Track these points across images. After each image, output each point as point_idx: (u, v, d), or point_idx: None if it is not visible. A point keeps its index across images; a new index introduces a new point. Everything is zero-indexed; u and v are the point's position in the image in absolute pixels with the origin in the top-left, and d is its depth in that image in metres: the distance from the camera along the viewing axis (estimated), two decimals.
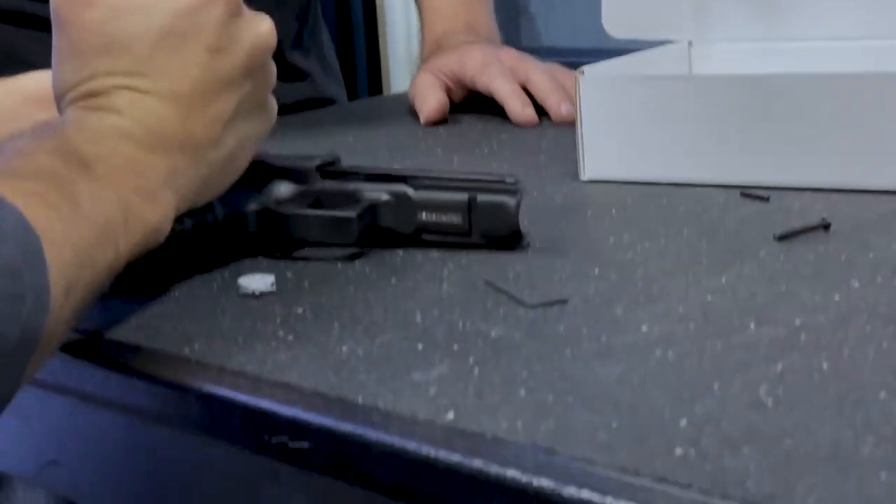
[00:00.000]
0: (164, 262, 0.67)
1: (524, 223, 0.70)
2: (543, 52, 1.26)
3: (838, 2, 0.93)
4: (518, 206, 0.69)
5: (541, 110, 1.11)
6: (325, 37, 1.38)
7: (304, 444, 0.49)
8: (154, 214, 0.61)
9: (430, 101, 1.13)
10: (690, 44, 0.98)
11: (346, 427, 0.48)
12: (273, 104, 0.70)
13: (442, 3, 1.27)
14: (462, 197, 0.69)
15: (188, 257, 0.69)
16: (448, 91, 1.16)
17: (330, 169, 0.73)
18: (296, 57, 1.27)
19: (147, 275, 0.65)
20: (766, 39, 0.96)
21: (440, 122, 1.13)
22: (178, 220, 0.66)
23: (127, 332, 0.60)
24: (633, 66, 0.91)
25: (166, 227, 0.62)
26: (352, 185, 0.72)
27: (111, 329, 0.61)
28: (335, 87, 1.38)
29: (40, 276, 0.49)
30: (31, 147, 0.57)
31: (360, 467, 0.48)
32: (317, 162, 0.73)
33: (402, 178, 0.71)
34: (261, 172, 0.72)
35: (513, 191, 0.69)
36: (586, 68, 0.86)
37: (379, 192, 0.71)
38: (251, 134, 0.68)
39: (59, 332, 0.52)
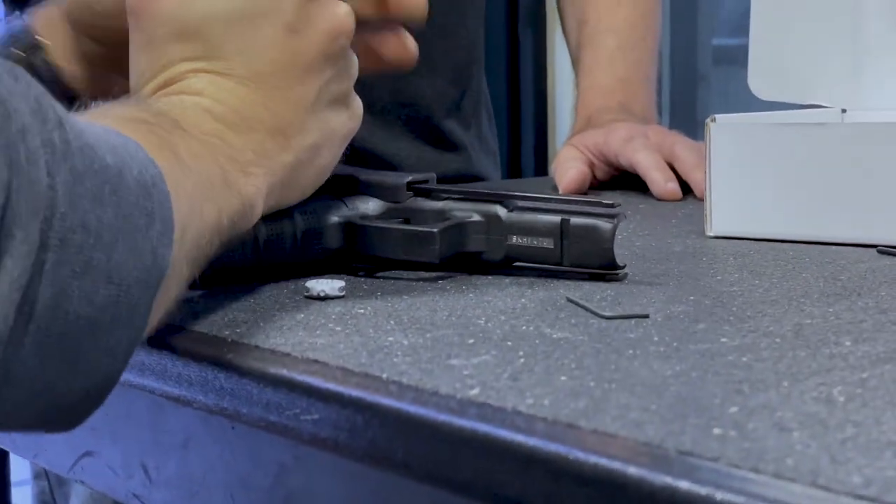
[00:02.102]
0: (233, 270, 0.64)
1: (628, 259, 0.65)
2: None
3: None
4: (614, 230, 0.63)
5: (687, 187, 1.06)
6: (487, 115, 1.36)
7: (314, 417, 0.44)
8: (248, 186, 0.57)
9: (570, 172, 1.08)
10: (844, 111, 0.92)
11: (357, 395, 0.43)
12: (358, 104, 0.67)
13: (600, 81, 1.23)
14: (555, 220, 0.64)
15: (261, 271, 0.65)
16: (592, 167, 1.12)
17: (421, 186, 0.69)
18: (451, 126, 1.25)
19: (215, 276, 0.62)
20: None
21: (579, 194, 1.09)
22: (255, 226, 0.63)
23: (175, 317, 0.57)
24: (775, 119, 0.85)
25: (259, 205, 0.59)
26: (443, 205, 0.68)
27: None
28: (490, 168, 1.35)
29: (165, 203, 0.46)
30: (122, 109, 0.54)
31: (372, 438, 0.43)
32: (408, 178, 0.69)
33: (495, 199, 0.67)
34: (349, 186, 0.69)
35: (610, 215, 0.64)
36: (719, 116, 0.80)
37: (469, 212, 0.67)
38: (336, 128, 0.65)
39: (177, 278, 0.48)
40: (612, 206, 0.65)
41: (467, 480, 0.39)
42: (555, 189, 1.12)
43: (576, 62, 1.29)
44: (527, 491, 0.37)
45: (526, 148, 2.50)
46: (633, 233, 0.83)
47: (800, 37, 0.91)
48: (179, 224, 0.47)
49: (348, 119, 0.66)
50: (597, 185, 1.13)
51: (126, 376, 0.54)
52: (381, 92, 1.19)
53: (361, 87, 1.29)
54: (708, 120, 0.80)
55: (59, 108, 0.41)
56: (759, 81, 0.90)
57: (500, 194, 0.67)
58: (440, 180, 1.30)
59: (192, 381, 0.50)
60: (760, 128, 0.79)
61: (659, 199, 1.04)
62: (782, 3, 0.90)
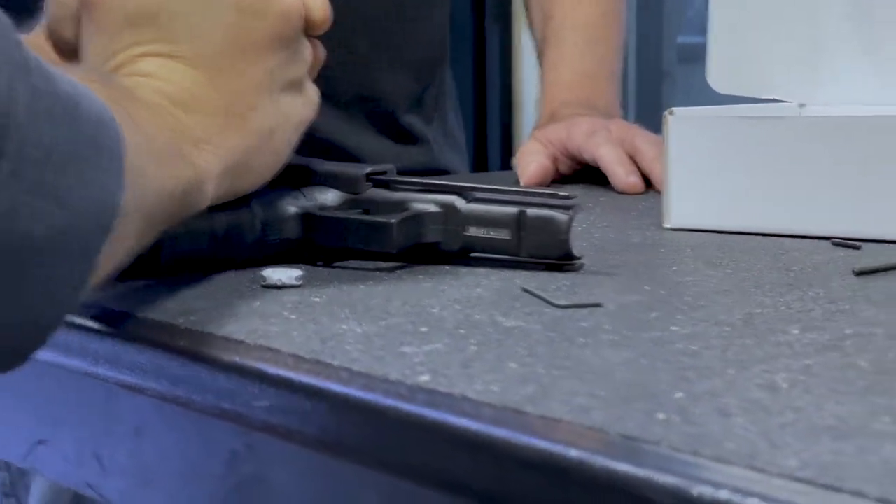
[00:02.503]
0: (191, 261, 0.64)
1: (586, 250, 0.65)
2: None
3: None
4: (570, 221, 0.64)
5: (648, 181, 1.06)
6: (453, 109, 1.36)
7: (265, 403, 0.44)
8: (200, 160, 0.57)
9: (531, 166, 1.09)
10: (802, 105, 0.93)
11: (307, 381, 0.44)
12: (314, 91, 0.67)
13: (564, 76, 1.24)
14: (512, 211, 0.65)
15: (219, 260, 0.65)
16: (554, 161, 1.12)
17: (380, 178, 0.69)
18: (412, 121, 1.25)
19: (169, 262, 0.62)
20: (884, 104, 0.90)
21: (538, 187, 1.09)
22: (209, 216, 0.63)
23: (129, 304, 0.57)
24: (733, 113, 0.85)
25: (210, 185, 0.58)
26: (401, 195, 0.68)
27: (115, 302, 0.57)
28: (457, 161, 1.35)
29: (118, 144, 0.45)
30: (72, 72, 0.54)
31: (322, 425, 0.43)
32: (367, 170, 0.69)
33: (454, 191, 0.67)
34: (307, 177, 0.69)
35: (566, 206, 0.64)
36: (677, 109, 0.81)
37: (427, 203, 0.67)
38: (290, 113, 0.65)
39: (132, 228, 0.48)
40: (568, 197, 0.65)
41: (416, 465, 0.39)
42: (517, 183, 1.12)
43: (541, 57, 1.29)
44: (474, 475, 0.38)
45: (492, 142, 2.50)
46: (592, 224, 0.83)
47: (758, 32, 0.92)
48: (130, 170, 0.46)
49: (303, 105, 0.66)
50: (559, 178, 1.13)
51: (79, 364, 0.54)
52: (345, 86, 1.19)
53: (325, 80, 1.28)
54: (666, 113, 0.81)
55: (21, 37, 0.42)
56: (717, 76, 0.90)
57: (458, 186, 0.68)
58: (404, 174, 1.30)
59: (145, 368, 0.50)
60: (717, 121, 0.80)
61: (620, 193, 1.05)
62: None
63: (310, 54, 0.66)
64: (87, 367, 0.53)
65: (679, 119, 0.80)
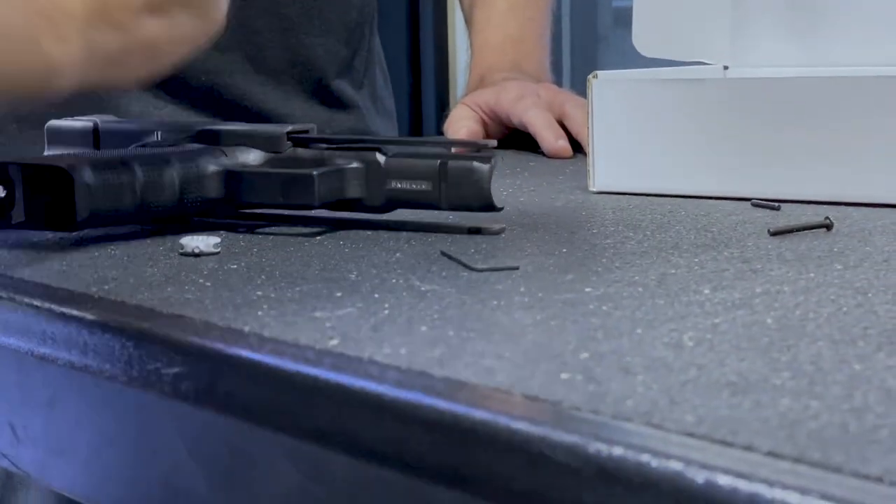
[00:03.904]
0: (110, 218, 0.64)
1: (510, 214, 0.65)
2: None
3: (881, 28, 0.87)
4: (491, 171, 0.64)
5: (578, 145, 1.06)
6: (382, 74, 1.35)
7: (175, 370, 0.44)
8: (58, 50, 0.56)
9: (461, 132, 1.09)
10: (726, 67, 0.93)
11: (217, 346, 0.43)
12: (216, 7, 0.65)
13: (492, 39, 1.24)
14: (433, 163, 0.65)
15: (137, 220, 0.65)
16: (484, 125, 1.12)
17: (301, 136, 0.69)
18: (342, 86, 1.25)
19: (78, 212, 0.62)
20: (805, 65, 0.90)
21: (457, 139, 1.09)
22: (126, 171, 0.62)
23: (43, 274, 0.56)
24: (658, 76, 0.85)
25: (66, 76, 0.57)
26: (323, 154, 0.68)
27: (27, 271, 0.57)
28: (387, 128, 1.35)
29: None
30: None
31: (229, 389, 0.43)
32: (287, 129, 0.69)
33: (374, 147, 0.67)
34: (227, 138, 0.69)
35: (486, 157, 0.64)
36: (601, 73, 0.81)
37: (348, 160, 0.67)
38: (183, 24, 0.62)
39: None
40: (487, 146, 0.65)
41: (322, 429, 0.39)
42: None
43: (469, 21, 1.29)
44: (379, 438, 0.38)
45: (427, 108, 2.49)
46: (518, 189, 0.83)
47: None
48: None
49: (203, 17, 0.63)
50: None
51: None
52: (275, 52, 1.18)
53: (255, 47, 1.27)
54: (590, 76, 0.81)
55: None
56: (643, 39, 0.90)
57: (378, 140, 0.67)
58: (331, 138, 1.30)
59: (55, 338, 0.50)
60: (641, 84, 0.80)
61: (549, 157, 1.05)
62: None
63: None
64: None
65: (602, 82, 0.80)
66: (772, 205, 0.72)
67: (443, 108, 2.46)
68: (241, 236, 0.66)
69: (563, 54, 2.25)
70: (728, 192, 0.76)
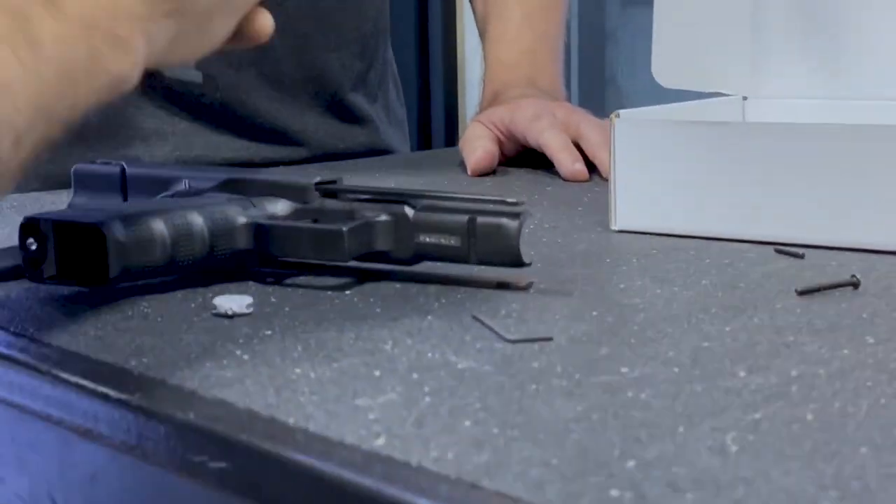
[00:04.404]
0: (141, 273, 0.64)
1: (535, 260, 0.66)
2: None
3: None
4: (520, 228, 0.64)
5: (593, 166, 1.07)
6: (395, 85, 1.35)
7: (222, 465, 0.45)
8: (121, 64, 0.57)
9: (478, 152, 1.09)
10: (745, 98, 0.93)
11: (265, 446, 0.44)
12: None
13: (506, 54, 1.24)
14: (462, 218, 0.65)
15: (168, 269, 0.65)
16: (500, 144, 1.12)
17: (329, 188, 0.69)
18: (356, 100, 1.25)
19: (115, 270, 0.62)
20: (825, 97, 0.91)
21: (487, 173, 1.09)
22: (158, 226, 0.63)
23: (79, 341, 0.57)
24: (679, 114, 0.86)
25: (134, 78, 0.58)
26: (350, 205, 0.68)
27: (64, 337, 0.57)
28: (399, 140, 1.35)
29: None
30: None
31: (276, 490, 0.43)
32: (316, 179, 0.69)
33: (402, 199, 0.67)
34: (256, 187, 0.69)
35: (515, 213, 0.65)
36: (623, 112, 0.81)
37: (377, 212, 0.67)
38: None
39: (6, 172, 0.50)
40: (516, 204, 0.65)
41: None
42: (462, 165, 1.12)
43: (482, 34, 1.29)
44: None
45: (436, 118, 2.50)
46: (539, 224, 0.84)
47: (702, 26, 0.92)
48: (13, 135, 0.50)
49: None
50: (504, 161, 1.13)
51: (34, 405, 0.54)
52: (290, 67, 1.18)
53: (270, 64, 1.27)
54: (612, 115, 0.81)
55: None
56: (662, 70, 0.91)
57: (406, 193, 0.68)
58: (348, 154, 1.31)
59: (98, 417, 0.50)
60: (663, 125, 0.80)
61: (565, 180, 1.05)
62: None
63: None
64: (41, 409, 0.53)
65: (624, 122, 0.80)
66: (796, 252, 0.72)
67: (452, 117, 2.46)
68: (270, 289, 0.66)
69: (572, 52, 2.25)
70: (750, 235, 0.76)
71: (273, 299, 0.64)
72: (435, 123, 2.45)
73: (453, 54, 2.44)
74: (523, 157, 1.13)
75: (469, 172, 1.09)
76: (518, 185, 1.04)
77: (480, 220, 0.65)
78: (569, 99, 1.24)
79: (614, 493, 0.38)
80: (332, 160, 1.22)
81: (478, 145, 1.10)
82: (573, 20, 2.23)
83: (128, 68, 0.57)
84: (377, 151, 1.29)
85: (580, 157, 1.06)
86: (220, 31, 0.64)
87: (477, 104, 1.26)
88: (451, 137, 2.38)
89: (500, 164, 1.13)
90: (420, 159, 1.31)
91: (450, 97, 2.45)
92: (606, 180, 1.03)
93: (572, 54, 2.26)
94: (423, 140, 2.42)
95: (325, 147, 1.23)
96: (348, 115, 1.24)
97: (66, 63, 0.54)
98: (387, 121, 1.30)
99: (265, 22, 0.66)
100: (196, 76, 0.67)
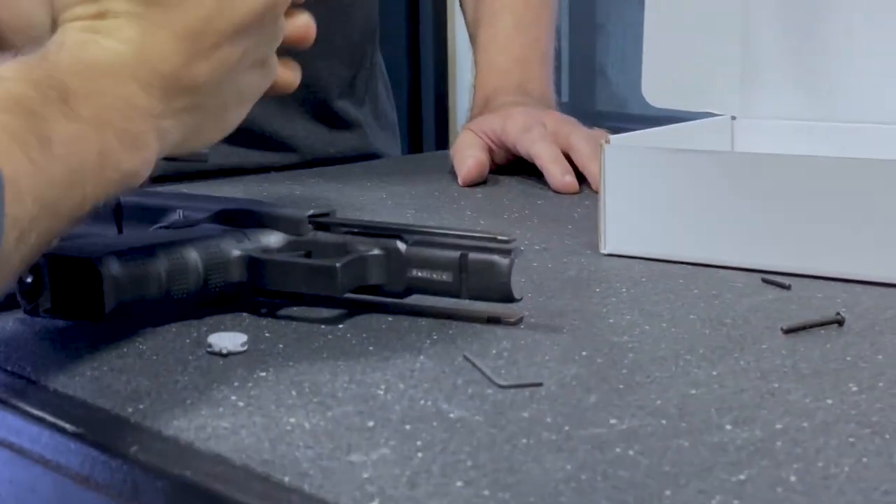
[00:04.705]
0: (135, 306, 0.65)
1: (525, 289, 0.66)
2: (615, 118, 1.23)
3: (889, 83, 0.89)
4: (511, 266, 0.65)
5: (583, 177, 1.08)
6: (384, 91, 1.36)
7: None
8: (133, 161, 0.58)
9: (468, 161, 1.10)
10: (734, 118, 0.94)
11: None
12: (275, 61, 0.67)
13: (497, 60, 1.24)
14: (454, 255, 0.66)
15: (163, 303, 0.66)
16: (490, 152, 1.13)
17: (322, 220, 0.70)
18: (345, 105, 1.25)
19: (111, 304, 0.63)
20: (814, 119, 0.92)
21: (478, 182, 1.10)
22: (152, 262, 0.64)
23: (76, 384, 0.58)
24: (669, 137, 0.87)
25: (144, 174, 0.59)
26: (343, 238, 0.69)
27: (62, 378, 0.58)
28: (389, 143, 1.36)
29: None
30: (13, 73, 0.54)
31: None
32: (309, 212, 0.70)
33: (395, 234, 0.68)
34: (249, 219, 0.70)
35: (506, 250, 0.66)
36: (614, 138, 0.82)
37: (370, 247, 0.68)
38: (249, 89, 0.65)
39: (5, 271, 0.50)
40: (508, 241, 0.66)
41: None
42: (453, 173, 1.13)
43: (473, 39, 1.29)
44: None
45: (427, 120, 2.50)
46: (528, 247, 0.84)
47: (692, 45, 0.93)
48: (17, 233, 0.50)
49: (260, 78, 0.66)
50: (495, 169, 1.14)
51: (33, 449, 0.55)
52: None
53: None
54: (602, 141, 0.82)
55: None
56: (652, 89, 0.91)
57: (398, 228, 0.68)
58: (338, 159, 1.31)
59: (95, 466, 0.51)
60: (654, 152, 0.81)
61: (555, 192, 1.06)
62: (675, 12, 0.92)
63: (283, 31, 0.66)
64: (38, 453, 0.54)
65: (615, 148, 0.81)
66: (782, 283, 0.73)
67: (443, 120, 2.46)
68: (264, 322, 0.67)
69: (562, 45, 2.25)
70: (738, 262, 0.77)
71: (267, 334, 0.65)
72: (426, 126, 2.45)
73: (444, 57, 2.44)
74: (514, 164, 1.14)
75: (460, 182, 1.10)
76: (508, 199, 1.05)
77: (472, 256, 0.66)
78: (560, 103, 1.25)
79: None
80: (322, 165, 1.23)
81: (468, 154, 1.11)
82: (564, 13, 2.23)
83: (139, 164, 0.58)
84: (367, 155, 1.29)
85: (570, 169, 1.07)
86: (234, 120, 0.65)
87: (468, 109, 1.26)
88: (442, 140, 2.39)
89: (491, 171, 1.14)
90: (411, 165, 1.31)
91: (441, 100, 2.46)
92: (597, 192, 1.04)
93: (563, 47, 2.26)
94: (413, 142, 2.43)
95: (316, 152, 1.24)
96: (337, 121, 1.25)
97: (76, 162, 0.54)
98: (376, 124, 1.31)
99: (293, 76, 0.68)
100: (203, 155, 0.67)
